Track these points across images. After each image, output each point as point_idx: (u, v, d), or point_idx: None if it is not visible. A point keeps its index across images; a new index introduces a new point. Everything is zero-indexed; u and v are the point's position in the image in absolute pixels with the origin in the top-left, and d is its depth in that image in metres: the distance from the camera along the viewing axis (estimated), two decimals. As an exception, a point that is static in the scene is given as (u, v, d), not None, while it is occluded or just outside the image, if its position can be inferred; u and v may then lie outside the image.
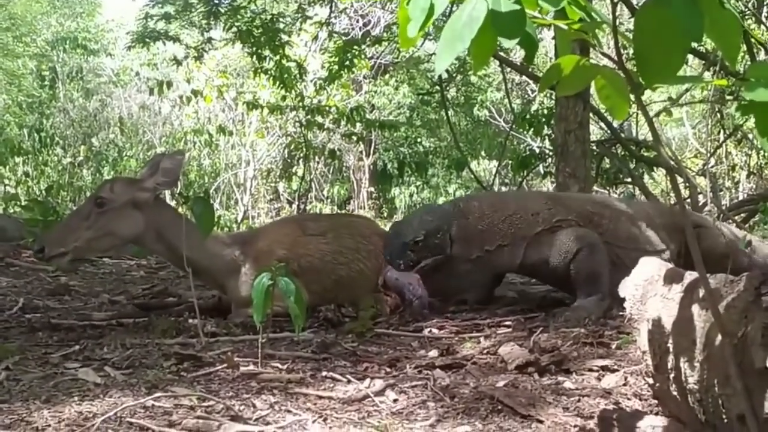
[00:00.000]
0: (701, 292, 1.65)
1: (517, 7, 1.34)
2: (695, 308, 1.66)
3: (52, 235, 3.26)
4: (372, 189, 15.70)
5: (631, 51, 1.45)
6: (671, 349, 1.74)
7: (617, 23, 1.46)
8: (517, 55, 9.49)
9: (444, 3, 1.37)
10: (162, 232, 3.25)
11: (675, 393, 1.77)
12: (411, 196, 15.49)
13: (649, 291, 1.90)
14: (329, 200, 14.40)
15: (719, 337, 1.54)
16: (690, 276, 1.77)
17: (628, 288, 2.01)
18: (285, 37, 7.89)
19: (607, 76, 1.52)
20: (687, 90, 7.98)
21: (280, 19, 7.94)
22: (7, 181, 11.47)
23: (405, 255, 3.55)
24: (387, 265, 3.59)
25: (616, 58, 1.48)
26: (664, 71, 1.33)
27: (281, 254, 3.40)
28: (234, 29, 7.46)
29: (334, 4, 8.21)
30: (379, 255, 3.63)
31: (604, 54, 1.65)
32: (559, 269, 3.52)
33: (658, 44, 1.32)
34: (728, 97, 7.27)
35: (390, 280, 3.59)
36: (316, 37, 9.29)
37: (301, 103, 8.69)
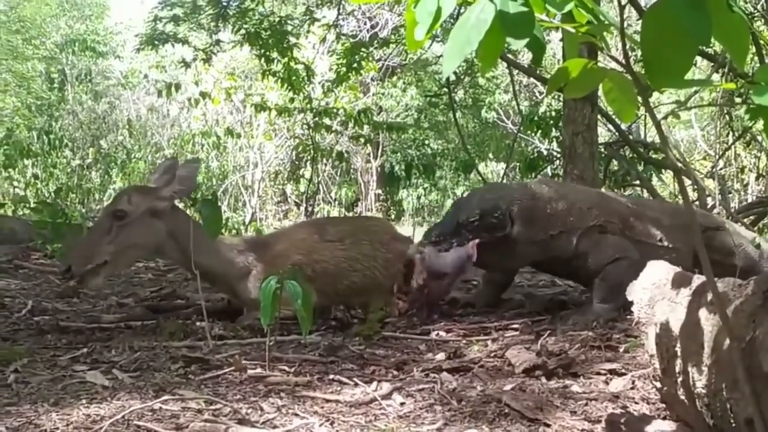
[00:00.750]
0: (709, 296, 1.64)
1: (526, 9, 1.34)
2: (703, 312, 1.65)
3: (76, 253, 3.22)
4: (380, 191, 15.69)
5: (639, 53, 1.45)
6: (679, 353, 1.74)
7: (625, 25, 1.46)
8: (525, 57, 9.48)
9: (451, 6, 1.36)
10: (179, 239, 3.24)
11: (683, 397, 1.76)
12: (418, 198, 15.49)
13: (657, 295, 1.89)
14: (337, 202, 14.40)
15: (727, 341, 1.53)
16: (698, 280, 1.76)
17: (636, 291, 2.01)
18: (293, 40, 7.90)
19: (614, 79, 1.51)
20: (695, 92, 7.94)
21: (288, 22, 7.96)
22: (16, 183, 11.52)
23: (459, 234, 3.52)
24: (423, 251, 3.57)
25: (623, 61, 1.47)
26: (672, 74, 1.33)
27: (296, 259, 3.39)
28: (242, 31, 7.48)
29: (342, 6, 8.22)
30: (396, 262, 3.61)
31: (611, 57, 1.64)
32: (594, 268, 3.56)
33: (665, 47, 1.32)
34: (737, 99, 7.24)
35: (427, 263, 3.54)
36: (324, 40, 9.29)
37: (308, 105, 8.70)
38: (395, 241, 3.75)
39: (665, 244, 3.73)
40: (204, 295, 3.17)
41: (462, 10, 1.44)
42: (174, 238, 3.24)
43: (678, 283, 1.82)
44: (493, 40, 1.34)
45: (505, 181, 9.59)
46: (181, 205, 3.56)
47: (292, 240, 3.58)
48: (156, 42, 7.33)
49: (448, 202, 14.67)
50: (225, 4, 7.30)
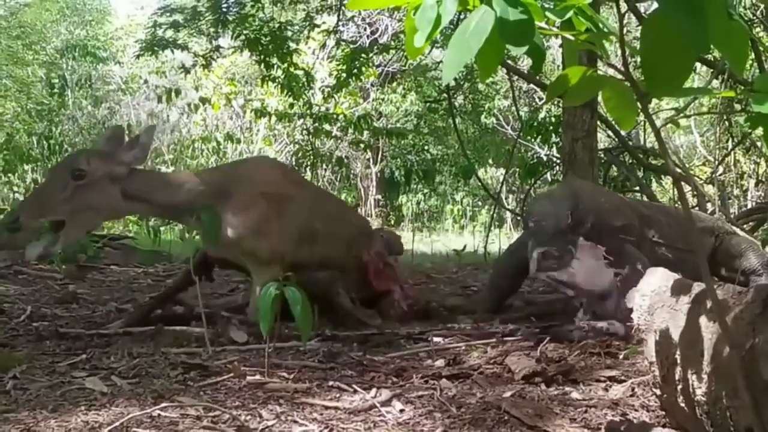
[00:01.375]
0: (709, 304, 1.64)
1: (525, 16, 1.35)
2: (703, 320, 1.65)
3: (28, 204, 3.16)
4: (379, 196, 15.70)
5: (638, 59, 1.45)
6: (679, 361, 1.74)
7: (624, 33, 1.46)
8: (525, 63, 9.49)
9: (451, 13, 1.37)
10: (140, 196, 3.22)
11: (683, 405, 1.76)
12: (418, 203, 15.49)
13: (657, 302, 1.89)
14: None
15: (727, 349, 1.53)
16: (697, 287, 1.76)
17: (635, 298, 2.01)
18: (293, 45, 7.92)
19: (614, 87, 1.52)
20: (695, 99, 7.95)
21: (288, 28, 7.97)
22: (16, 188, 11.52)
23: (565, 240, 3.37)
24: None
25: (623, 68, 1.47)
26: (671, 83, 1.33)
27: (263, 189, 3.38)
28: (242, 37, 7.49)
29: (341, 12, 8.23)
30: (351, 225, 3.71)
31: (610, 65, 1.64)
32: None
33: (665, 56, 1.32)
34: (737, 106, 7.24)
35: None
36: (324, 45, 9.32)
37: (308, 111, 8.71)
38: (351, 212, 3.83)
39: (679, 246, 3.77)
40: (203, 301, 3.16)
41: (462, 16, 1.44)
42: (132, 198, 3.21)
43: (677, 290, 1.82)
44: (492, 47, 1.34)
45: (504, 186, 9.60)
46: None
47: (256, 172, 3.59)
48: (156, 48, 7.33)
49: (448, 208, 14.70)
50: (225, 10, 7.31)
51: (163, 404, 2.10)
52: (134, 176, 3.23)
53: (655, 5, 1.32)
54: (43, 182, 3.84)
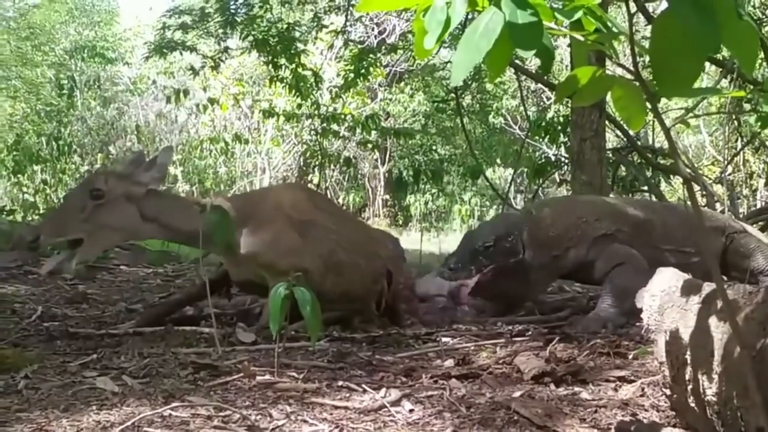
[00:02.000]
0: (719, 304, 1.64)
1: (534, 18, 1.35)
2: (713, 320, 1.65)
3: (47, 223, 3.18)
4: (387, 197, 15.72)
5: (647, 58, 1.45)
6: (689, 361, 1.74)
7: (633, 32, 1.46)
8: (533, 63, 9.48)
9: (460, 15, 1.37)
10: (160, 219, 3.22)
11: (693, 405, 1.75)
12: (426, 203, 15.51)
13: (667, 302, 1.89)
14: (344, 208, 14.43)
15: (738, 349, 1.53)
16: (708, 287, 1.76)
17: (645, 299, 2.00)
18: (301, 46, 7.94)
19: (623, 87, 1.52)
20: (704, 98, 7.93)
21: (296, 28, 7.99)
22: (25, 189, 11.59)
23: (476, 260, 3.62)
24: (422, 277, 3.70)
25: (633, 68, 1.47)
26: (681, 83, 1.33)
27: (288, 213, 3.37)
28: (250, 38, 7.51)
29: (349, 12, 8.24)
30: (379, 261, 3.63)
31: (620, 65, 1.64)
32: (599, 273, 3.65)
33: (674, 55, 1.32)
34: (746, 105, 7.22)
35: (422, 291, 3.67)
36: (331, 46, 9.34)
37: (316, 111, 8.72)
38: (381, 240, 3.80)
39: (687, 249, 3.75)
40: (213, 301, 3.17)
41: (470, 16, 1.45)
42: (152, 220, 3.21)
43: (687, 290, 1.82)
44: (501, 49, 1.34)
45: (512, 186, 9.60)
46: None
47: (280, 197, 3.58)
48: (165, 50, 7.36)
49: (456, 208, 14.70)
50: (233, 11, 7.33)
51: (174, 404, 2.10)
52: (153, 198, 3.23)
53: (665, 5, 1.32)
54: (62, 202, 3.86)
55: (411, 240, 10.89)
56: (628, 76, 1.57)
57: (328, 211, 3.62)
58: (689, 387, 1.75)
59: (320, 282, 3.21)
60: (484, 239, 3.66)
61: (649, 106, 1.50)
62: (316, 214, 3.47)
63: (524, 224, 3.72)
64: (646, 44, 1.34)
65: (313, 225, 3.40)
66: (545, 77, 8.16)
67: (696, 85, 1.39)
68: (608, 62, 4.07)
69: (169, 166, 3.38)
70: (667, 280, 1.95)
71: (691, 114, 7.84)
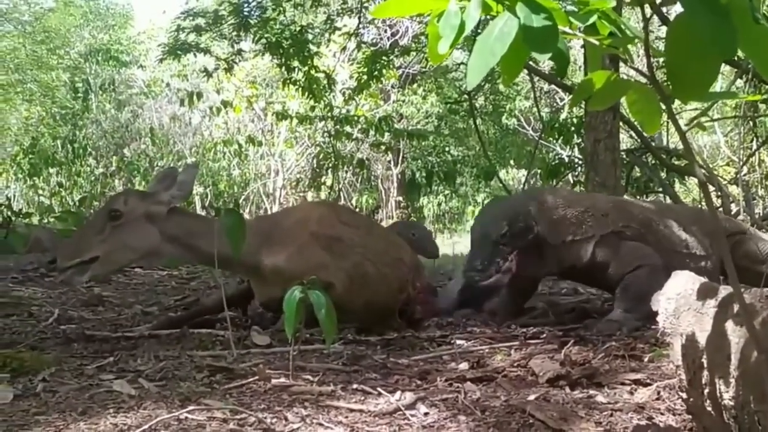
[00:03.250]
0: (736, 307, 1.63)
1: (549, 22, 1.35)
2: (729, 324, 1.64)
3: (65, 246, 3.21)
4: (400, 198, 15.72)
5: (661, 60, 1.45)
6: (705, 365, 1.73)
7: (648, 35, 1.45)
8: (546, 63, 9.46)
9: (474, 20, 1.37)
10: (182, 239, 3.23)
11: (710, 408, 1.75)
12: (439, 205, 15.50)
13: (683, 305, 1.88)
14: (358, 209, 14.45)
15: (755, 354, 1.52)
16: (724, 290, 1.75)
17: (660, 302, 2.00)
18: (314, 48, 7.96)
19: (638, 91, 1.51)
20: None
21: (309, 31, 8.02)
22: (41, 191, 11.68)
23: (498, 252, 3.50)
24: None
25: (648, 72, 1.47)
26: (697, 87, 1.33)
27: (313, 229, 3.39)
28: (263, 41, 7.54)
29: (362, 14, 8.25)
30: (405, 267, 3.64)
31: (635, 68, 1.64)
32: (615, 277, 3.55)
33: (690, 59, 1.32)
34: (761, 105, 7.17)
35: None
36: (344, 48, 9.36)
37: (329, 113, 8.75)
38: (404, 247, 3.79)
39: (692, 251, 3.70)
40: (230, 293, 3.18)
41: (483, 18, 1.45)
42: (174, 240, 3.22)
43: (704, 293, 1.81)
44: (516, 53, 1.35)
45: (526, 187, 9.57)
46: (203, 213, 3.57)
47: (308, 213, 3.59)
48: (179, 52, 7.40)
49: (469, 209, 14.68)
50: (246, 14, 7.36)
51: (191, 407, 2.11)
52: (176, 218, 3.24)
53: (680, 8, 1.32)
54: (84, 225, 3.90)
55: (424, 241, 10.93)
56: (643, 78, 1.57)
57: (354, 224, 3.62)
58: (706, 391, 1.74)
59: (346, 295, 3.25)
60: (497, 229, 3.52)
61: (664, 108, 1.50)
62: (342, 229, 3.48)
63: (532, 200, 3.65)
64: (660, 44, 1.34)
65: (339, 240, 3.42)
66: (559, 78, 8.14)
67: (711, 86, 1.39)
68: (623, 63, 4.06)
69: (193, 184, 3.37)
70: (682, 283, 1.95)
71: (706, 117, 7.79)
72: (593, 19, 1.45)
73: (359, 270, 3.41)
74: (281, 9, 7.48)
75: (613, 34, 1.48)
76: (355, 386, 2.43)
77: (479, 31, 1.42)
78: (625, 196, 6.10)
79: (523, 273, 3.60)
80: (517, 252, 3.50)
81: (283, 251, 3.30)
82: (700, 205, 8.22)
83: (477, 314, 3.87)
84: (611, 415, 2.14)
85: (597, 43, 1.49)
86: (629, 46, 1.62)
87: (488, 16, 1.42)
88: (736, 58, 6.38)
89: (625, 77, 1.64)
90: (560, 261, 3.63)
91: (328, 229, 3.44)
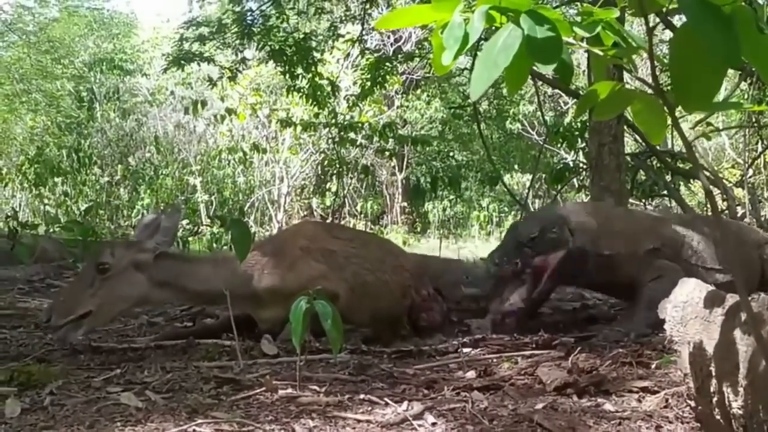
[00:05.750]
0: (743, 316, 1.63)
1: (553, 33, 1.35)
2: (737, 332, 1.64)
3: (58, 304, 3.22)
4: (405, 204, 15.71)
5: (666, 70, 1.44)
6: (713, 373, 1.72)
7: (652, 46, 1.45)
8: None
9: (478, 32, 1.37)
10: (172, 283, 3.27)
11: (719, 417, 1.74)
12: (444, 210, 15.47)
13: (690, 313, 1.87)
14: (362, 215, 14.45)
15: (763, 363, 1.52)
16: (731, 299, 1.75)
17: (667, 309, 1.99)
18: (317, 55, 7.96)
19: (643, 101, 1.51)
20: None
21: (312, 38, 8.02)
22: (47, 201, 11.69)
23: (521, 253, 3.56)
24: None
25: (652, 83, 1.47)
26: (701, 97, 1.33)
27: (303, 244, 3.42)
28: (267, 48, 7.54)
29: (366, 21, 8.25)
30: (406, 273, 3.65)
31: (639, 79, 1.64)
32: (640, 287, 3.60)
33: (694, 69, 1.32)
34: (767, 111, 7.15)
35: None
36: (348, 55, 9.35)
37: (333, 120, 8.74)
38: (403, 255, 3.81)
39: (715, 266, 3.71)
40: (234, 313, 3.18)
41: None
42: (163, 285, 3.26)
43: (711, 302, 1.80)
44: (520, 63, 1.35)
45: (531, 192, 9.57)
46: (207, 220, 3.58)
47: (296, 231, 3.61)
48: (183, 62, 7.41)
49: (474, 214, 14.66)
50: (250, 22, 7.37)
51: (198, 420, 2.11)
52: (163, 263, 3.26)
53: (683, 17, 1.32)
54: (73, 281, 3.95)
55: (430, 247, 10.89)
56: (648, 88, 1.56)
57: (346, 237, 3.68)
58: (714, 399, 1.73)
59: (349, 305, 3.31)
60: (528, 232, 3.59)
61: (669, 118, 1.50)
62: (334, 243, 3.53)
63: (572, 213, 3.69)
64: (664, 48, 1.34)
65: (332, 252, 3.47)
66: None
67: (715, 95, 1.38)
68: (627, 74, 4.05)
69: (177, 229, 3.41)
70: (689, 291, 1.94)
71: (711, 127, 7.78)
72: (597, 29, 1.45)
73: (358, 279, 3.47)
74: (284, 17, 7.48)
75: (617, 44, 1.49)
76: (362, 396, 2.43)
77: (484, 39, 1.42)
78: (630, 201, 6.10)
79: (562, 282, 3.66)
80: (558, 261, 3.54)
81: (276, 271, 3.34)
82: (705, 208, 8.21)
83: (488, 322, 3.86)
84: (620, 424, 2.13)
85: (601, 53, 1.49)
86: (634, 57, 1.62)
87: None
88: (739, 62, 6.38)
89: (629, 85, 1.64)
90: (599, 273, 3.68)
91: (319, 243, 3.49)
